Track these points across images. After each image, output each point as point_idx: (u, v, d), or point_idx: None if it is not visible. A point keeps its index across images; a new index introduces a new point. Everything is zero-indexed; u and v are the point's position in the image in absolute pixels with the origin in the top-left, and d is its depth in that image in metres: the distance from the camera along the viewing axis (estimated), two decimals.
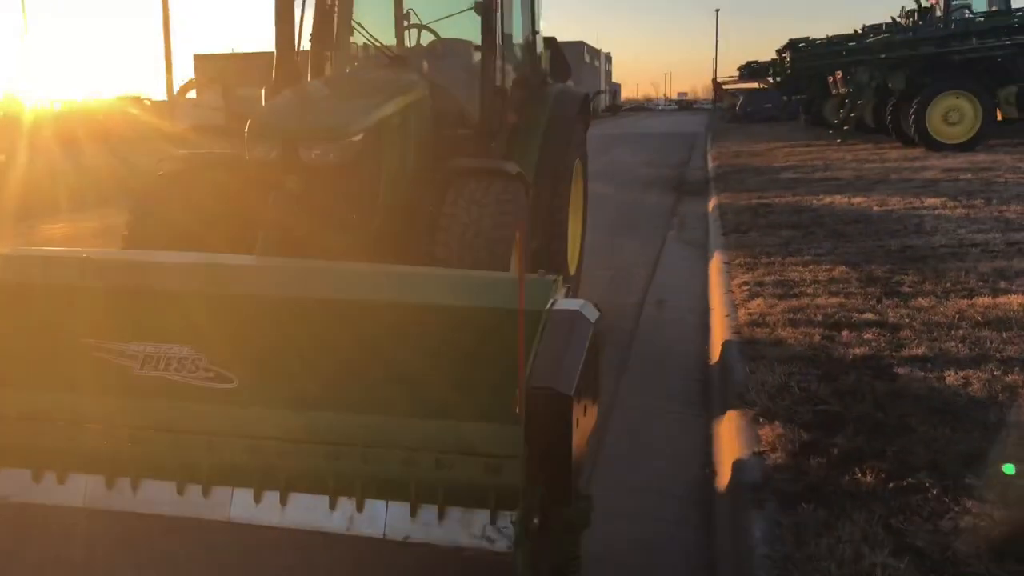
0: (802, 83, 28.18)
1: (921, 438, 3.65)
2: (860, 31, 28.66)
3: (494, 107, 5.27)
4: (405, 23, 6.25)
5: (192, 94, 41.52)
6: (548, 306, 2.83)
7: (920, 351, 4.84)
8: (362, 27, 5.49)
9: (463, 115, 5.32)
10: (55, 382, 3.31)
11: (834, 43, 23.91)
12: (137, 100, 38.26)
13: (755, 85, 42.46)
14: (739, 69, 41.56)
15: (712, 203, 13.03)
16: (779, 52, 27.79)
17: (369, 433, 3.10)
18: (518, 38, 6.06)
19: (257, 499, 3.14)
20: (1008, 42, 19.87)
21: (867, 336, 5.16)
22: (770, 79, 31.14)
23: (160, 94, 38.80)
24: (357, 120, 4.26)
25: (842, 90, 22.75)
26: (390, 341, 3.04)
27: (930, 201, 11.20)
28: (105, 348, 3.18)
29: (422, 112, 4.84)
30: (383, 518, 3.08)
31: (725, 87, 50.58)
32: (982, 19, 20.71)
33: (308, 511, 3.12)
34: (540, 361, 2.68)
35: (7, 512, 3.29)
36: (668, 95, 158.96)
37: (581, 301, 2.75)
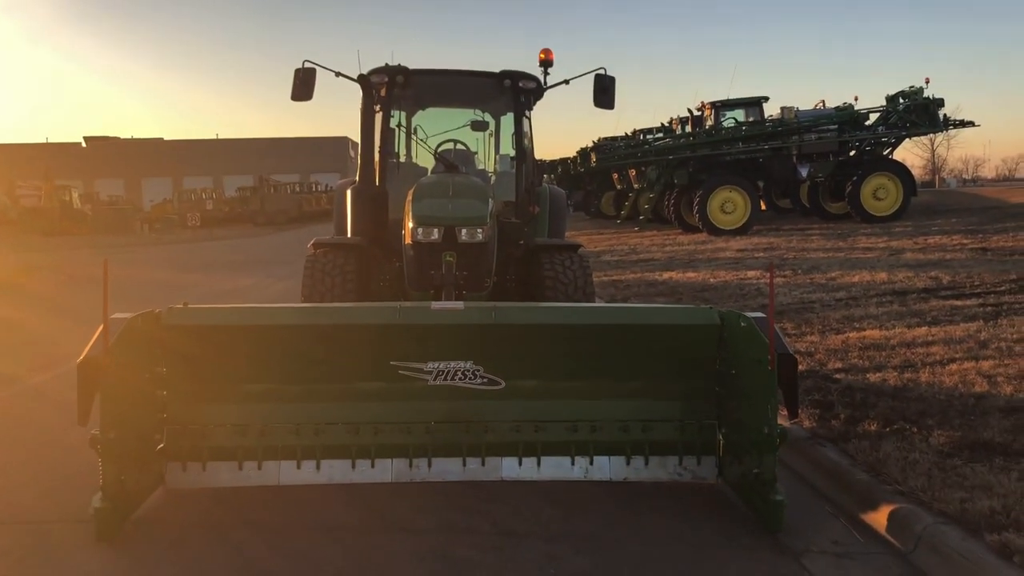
0: (595, 179, 31.80)
1: (882, 408, 5.68)
2: (630, 134, 32.95)
3: (525, 202, 7.04)
4: (420, 136, 7.88)
5: None
6: (720, 320, 4.57)
7: (838, 365, 7.00)
8: (426, 143, 7.15)
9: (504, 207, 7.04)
10: (371, 394, 4.64)
11: (631, 144, 27.59)
12: None
13: None
14: None
15: None
16: (582, 151, 31.32)
17: (597, 412, 4.70)
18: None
19: (520, 463, 4.62)
20: (765, 146, 24.19)
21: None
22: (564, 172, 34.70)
23: None
24: (487, 212, 5.91)
25: (636, 185, 26.25)
26: (612, 350, 4.68)
27: (751, 273, 13.98)
28: (409, 367, 4.57)
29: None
30: (608, 467, 4.66)
31: None
32: (744, 127, 24.97)
33: (556, 467, 4.65)
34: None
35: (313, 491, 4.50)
36: None
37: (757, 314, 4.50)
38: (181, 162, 71.08)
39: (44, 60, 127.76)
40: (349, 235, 6.96)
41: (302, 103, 6.70)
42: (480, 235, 5.79)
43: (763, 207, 25.07)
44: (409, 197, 6.13)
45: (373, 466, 4.54)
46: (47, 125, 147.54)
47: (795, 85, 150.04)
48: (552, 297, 6.00)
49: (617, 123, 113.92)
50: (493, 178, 7.78)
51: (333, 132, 68.75)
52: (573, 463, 4.64)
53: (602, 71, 6.91)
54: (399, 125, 7.57)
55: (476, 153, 7.93)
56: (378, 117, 6.99)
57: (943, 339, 7.71)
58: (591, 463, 4.64)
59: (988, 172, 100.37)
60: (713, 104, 25.96)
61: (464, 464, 4.57)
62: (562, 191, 8.30)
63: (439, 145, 7.30)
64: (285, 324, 4.56)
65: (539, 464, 4.62)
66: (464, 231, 5.77)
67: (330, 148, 74.47)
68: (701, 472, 4.67)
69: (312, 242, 6.51)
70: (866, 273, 12.81)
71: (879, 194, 23.64)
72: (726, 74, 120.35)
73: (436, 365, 4.53)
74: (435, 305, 4.64)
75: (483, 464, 4.59)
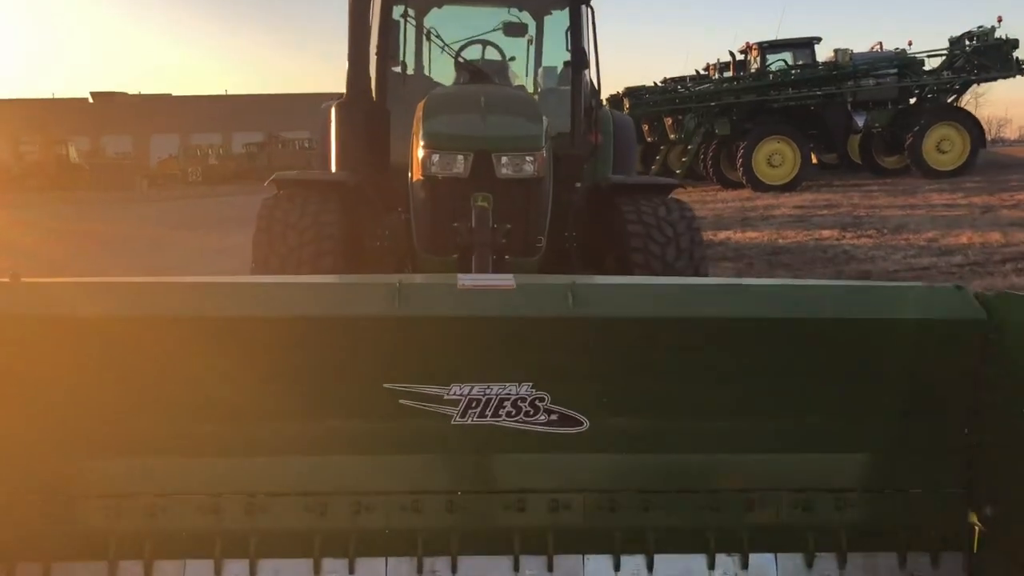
0: None
1: None
2: (660, 83, 30.43)
3: (585, 127, 4.97)
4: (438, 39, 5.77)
5: None
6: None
7: None
8: (441, 39, 5.02)
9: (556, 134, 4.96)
10: (350, 442, 2.60)
11: (667, 91, 25.21)
12: None
13: None
14: None
15: None
16: (612, 98, 28.89)
17: (755, 476, 2.64)
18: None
19: (617, 566, 2.59)
20: (818, 92, 21.80)
21: None
22: None
23: None
24: (540, 131, 3.83)
25: (672, 136, 23.87)
26: (775, 364, 2.60)
27: (825, 233, 11.84)
28: (416, 393, 2.52)
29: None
30: (775, 573, 2.63)
31: None
32: (795, 71, 22.55)
33: (681, 573, 2.61)
34: None
35: None
36: None
37: None
38: (189, 118, 68.75)
39: (48, 11, 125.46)
40: (333, 171, 4.89)
41: None
42: (532, 167, 3.71)
43: (815, 161, 22.69)
44: (419, 114, 4.06)
45: (352, 571, 2.52)
46: (53, 80, 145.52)
47: (844, 27, 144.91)
48: (642, 265, 3.90)
49: (644, 71, 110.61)
50: (536, 98, 5.69)
51: None
52: (713, 566, 2.59)
53: None
54: (404, 16, 5.43)
55: (514, 59, 5.80)
56: (376, 4, 4.87)
57: None
58: (744, 566, 2.59)
59: (1010, 133, 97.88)
60: (760, 45, 23.49)
61: (516, 567, 2.54)
62: (628, 119, 6.20)
63: (461, 48, 5.21)
64: (197, 315, 2.48)
65: (651, 568, 2.58)
66: (506, 160, 3.68)
67: None
68: None
69: (272, 178, 4.43)
70: (973, 233, 10.62)
71: (943, 146, 21.19)
72: (766, 16, 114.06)
73: (465, 390, 2.47)
74: (463, 280, 2.56)
75: (550, 568, 2.56)
